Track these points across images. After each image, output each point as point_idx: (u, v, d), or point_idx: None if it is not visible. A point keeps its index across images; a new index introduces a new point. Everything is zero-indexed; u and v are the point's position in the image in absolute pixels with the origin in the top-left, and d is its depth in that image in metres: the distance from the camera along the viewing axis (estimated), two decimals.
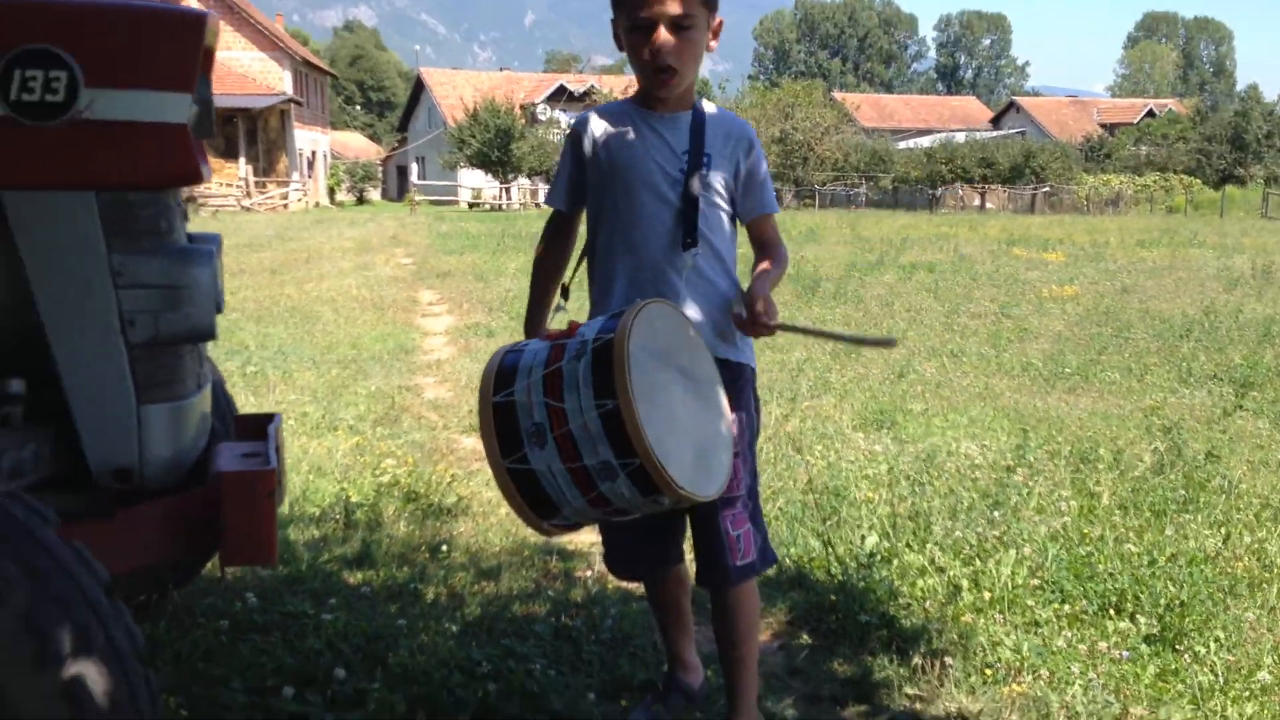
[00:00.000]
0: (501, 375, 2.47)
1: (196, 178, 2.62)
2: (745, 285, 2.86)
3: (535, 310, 3.07)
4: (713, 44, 2.84)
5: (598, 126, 2.90)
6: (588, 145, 2.91)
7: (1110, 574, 4.12)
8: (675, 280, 2.84)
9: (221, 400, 3.40)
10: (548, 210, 3.07)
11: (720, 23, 2.85)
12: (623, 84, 57.03)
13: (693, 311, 2.82)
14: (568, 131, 3.03)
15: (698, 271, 2.85)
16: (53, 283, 2.46)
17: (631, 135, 2.86)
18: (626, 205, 2.85)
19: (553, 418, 2.36)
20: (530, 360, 2.45)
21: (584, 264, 3.04)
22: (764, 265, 2.89)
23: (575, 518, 2.51)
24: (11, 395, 2.57)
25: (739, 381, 2.88)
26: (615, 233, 2.88)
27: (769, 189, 2.98)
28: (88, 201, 2.46)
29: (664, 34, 2.68)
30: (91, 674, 2.02)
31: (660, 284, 2.83)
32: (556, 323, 2.94)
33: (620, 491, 2.37)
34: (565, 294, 3.08)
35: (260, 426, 3.22)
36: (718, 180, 2.86)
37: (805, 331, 3.06)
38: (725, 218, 2.91)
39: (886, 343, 3.02)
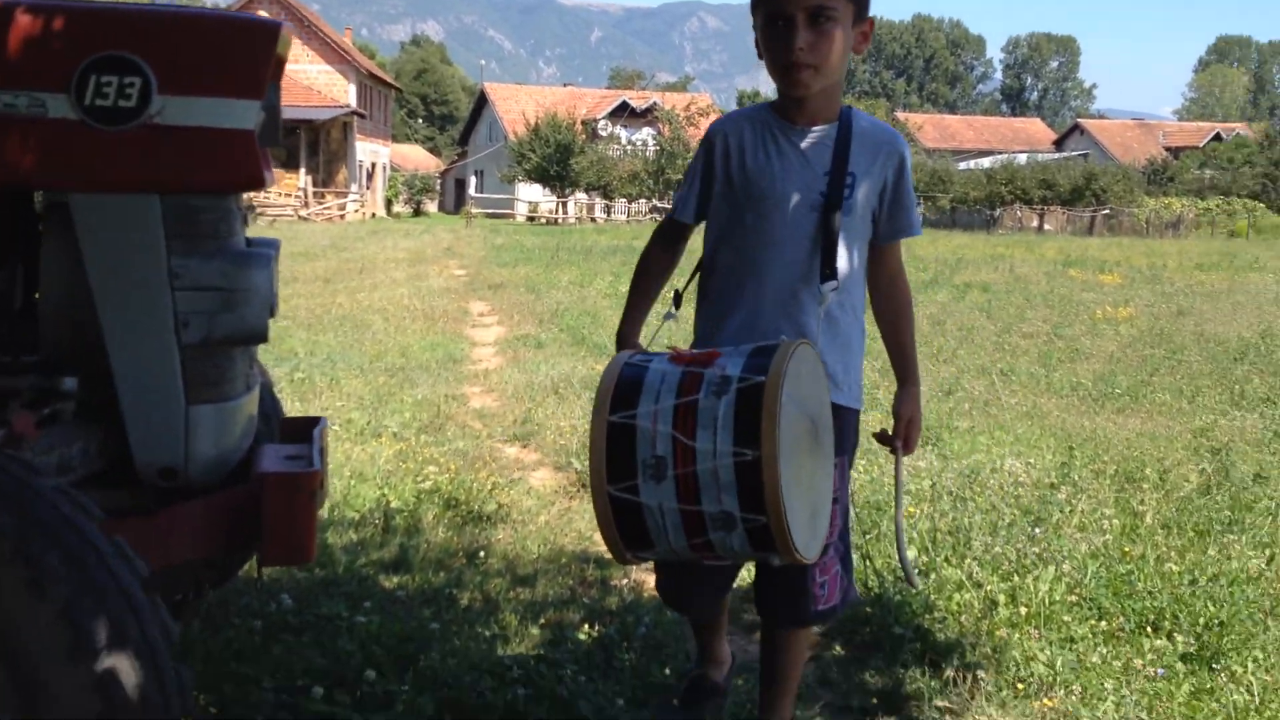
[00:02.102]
0: (621, 391, 2.30)
1: (260, 183, 2.68)
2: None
3: (633, 314, 2.87)
4: (862, 46, 2.67)
5: (734, 136, 2.71)
6: (719, 156, 2.73)
7: (1150, 592, 4.09)
8: (808, 317, 2.67)
9: (268, 403, 3.47)
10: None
11: (872, 24, 2.67)
12: (685, 101, 57.12)
13: (825, 352, 2.65)
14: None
15: (838, 308, 2.70)
16: (111, 282, 2.52)
17: (769, 150, 2.68)
18: (758, 227, 2.68)
19: (678, 454, 2.20)
20: (657, 382, 2.28)
21: (696, 277, 2.88)
22: (905, 345, 2.84)
23: (665, 556, 2.38)
24: (64, 392, 2.64)
25: (846, 425, 2.74)
26: (742, 254, 2.70)
27: (914, 209, 2.78)
28: (152, 204, 2.52)
29: (800, 26, 2.51)
30: (124, 667, 2.06)
31: (787, 317, 2.67)
32: (664, 333, 2.83)
33: (730, 544, 2.24)
34: (678, 302, 2.89)
35: (305, 430, 3.27)
36: (861, 203, 2.68)
37: (897, 486, 2.94)
38: (862, 245, 2.74)
39: (911, 583, 3.05)
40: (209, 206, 2.61)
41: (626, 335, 2.83)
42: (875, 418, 6.81)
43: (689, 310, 2.89)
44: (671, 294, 2.95)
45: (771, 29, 2.55)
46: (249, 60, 2.61)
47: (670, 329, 2.90)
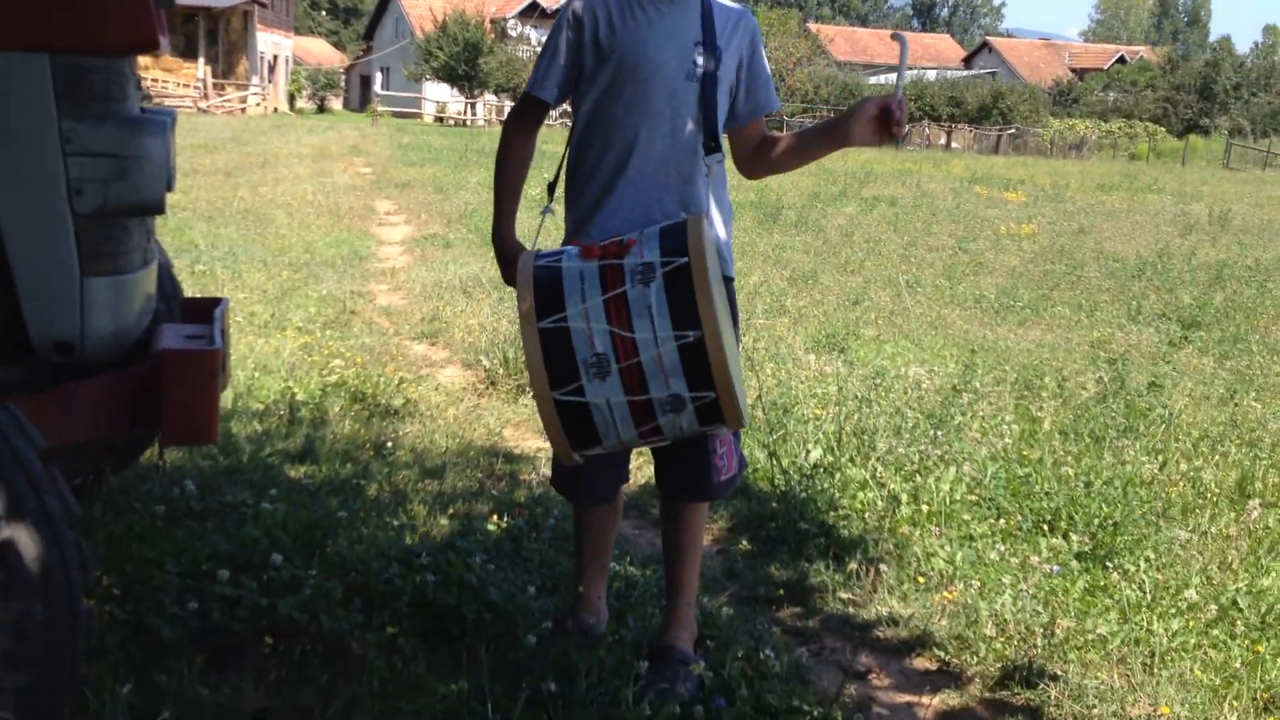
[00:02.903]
0: (543, 294, 2.26)
1: (154, 46, 2.57)
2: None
3: (510, 211, 2.80)
4: None
5: (601, 8, 2.63)
6: (589, 29, 2.63)
7: (1047, 494, 4.19)
8: (696, 190, 2.66)
9: (167, 283, 3.37)
10: None
11: None
12: None
13: (715, 222, 2.67)
14: (560, 11, 2.71)
15: (717, 180, 2.70)
16: None
17: (640, 20, 2.62)
18: (634, 99, 2.62)
19: (619, 348, 2.20)
20: (577, 279, 2.26)
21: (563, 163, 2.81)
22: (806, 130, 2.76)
23: (614, 448, 2.38)
24: None
25: (732, 295, 2.77)
26: (621, 129, 2.64)
27: (769, 84, 2.77)
28: (40, 63, 2.40)
29: None
30: (22, 537, 2.01)
31: (674, 191, 2.66)
32: (543, 229, 2.79)
33: (680, 424, 2.26)
34: (552, 192, 2.84)
35: (206, 310, 3.19)
36: (728, 76, 2.67)
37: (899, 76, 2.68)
38: (725, 117, 2.73)
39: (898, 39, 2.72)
40: (101, 68, 2.49)
41: (505, 234, 2.78)
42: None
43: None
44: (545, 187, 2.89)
45: None
46: None
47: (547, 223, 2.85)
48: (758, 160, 2.84)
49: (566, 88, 2.73)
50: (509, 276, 2.72)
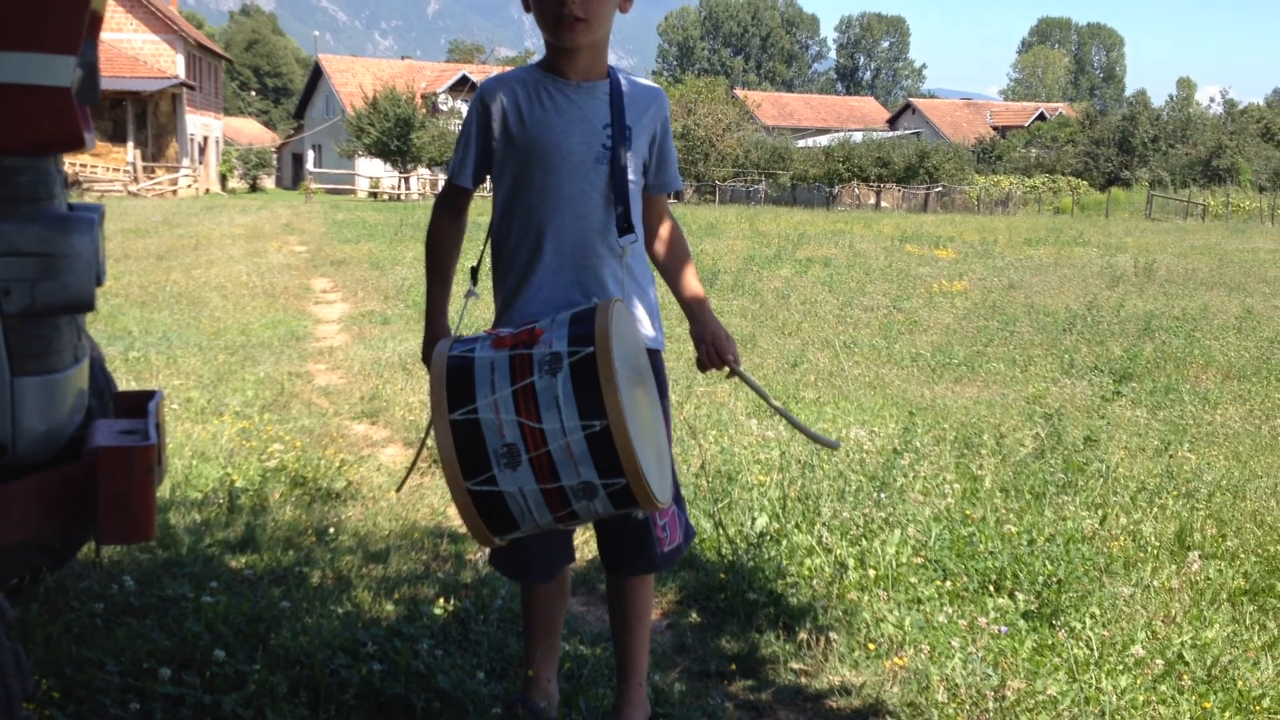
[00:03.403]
0: (454, 385, 2.29)
1: (79, 143, 2.55)
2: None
3: (440, 297, 2.85)
4: (627, 4, 2.70)
5: (509, 96, 2.68)
6: (497, 116, 2.68)
7: (991, 553, 4.22)
8: (610, 272, 2.70)
9: (100, 377, 3.32)
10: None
11: None
12: None
13: (633, 303, 2.71)
14: (470, 100, 2.81)
15: (632, 258, 2.73)
16: None
17: (547, 107, 2.66)
18: (546, 185, 2.66)
19: (528, 438, 2.22)
20: (488, 370, 2.29)
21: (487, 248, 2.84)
22: (694, 284, 2.83)
23: (532, 531, 2.38)
24: None
25: (660, 367, 2.79)
26: (534, 214, 2.68)
27: (676, 163, 2.85)
28: None
29: None
30: None
31: (589, 273, 2.69)
32: (469, 312, 2.81)
33: (594, 509, 2.28)
34: (475, 277, 2.86)
35: (140, 404, 3.14)
36: (639, 157, 2.73)
37: (757, 391, 2.78)
38: (639, 196, 2.78)
39: (829, 445, 2.89)
40: (25, 167, 2.47)
41: (434, 320, 2.84)
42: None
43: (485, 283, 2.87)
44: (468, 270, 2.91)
45: None
46: (62, 12, 2.47)
47: (473, 304, 2.86)
48: (653, 243, 2.89)
49: (482, 173, 2.78)
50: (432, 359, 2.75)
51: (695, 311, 2.80)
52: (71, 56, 2.49)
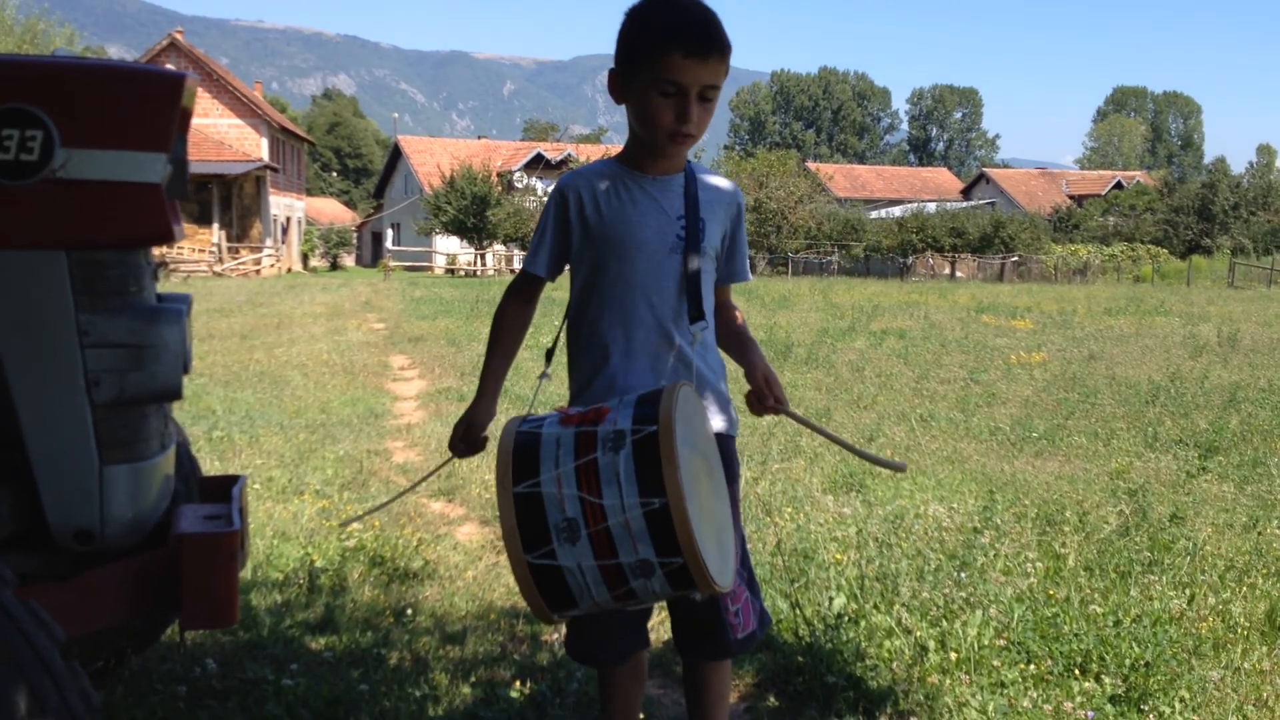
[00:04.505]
0: (520, 459, 2.33)
1: (169, 237, 2.64)
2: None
3: (497, 376, 2.89)
4: None
5: (586, 189, 2.76)
6: (574, 209, 2.76)
7: (1075, 634, 4.13)
8: (684, 356, 2.75)
9: (185, 462, 3.39)
10: None
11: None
12: (599, 152, 57.54)
13: (704, 389, 2.76)
14: (550, 193, 2.82)
15: (703, 345, 2.78)
16: (18, 341, 2.46)
17: (625, 200, 2.74)
18: (621, 273, 2.73)
19: (588, 514, 2.25)
20: (553, 446, 2.33)
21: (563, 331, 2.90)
22: (747, 338, 2.89)
23: (590, 610, 2.39)
24: None
25: (730, 452, 2.82)
26: (610, 302, 2.75)
27: (746, 257, 2.93)
28: (58, 260, 2.46)
29: (694, 101, 2.59)
30: None
31: (661, 359, 2.74)
32: (541, 392, 2.89)
33: (652, 588, 2.29)
34: (550, 359, 2.92)
35: (224, 489, 3.21)
36: (711, 247, 2.79)
37: (811, 427, 2.88)
38: (711, 284, 2.83)
39: (896, 467, 2.88)
40: (116, 261, 2.56)
41: (485, 397, 2.88)
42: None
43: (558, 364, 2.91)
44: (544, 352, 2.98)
45: (662, 95, 2.59)
46: (154, 112, 2.57)
47: (545, 386, 2.90)
48: (718, 326, 2.93)
49: (560, 263, 2.84)
50: (459, 431, 2.88)
51: (750, 355, 2.84)
52: (162, 154, 2.58)
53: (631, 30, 2.64)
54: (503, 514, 2.30)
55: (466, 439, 2.87)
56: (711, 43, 2.57)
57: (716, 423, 2.78)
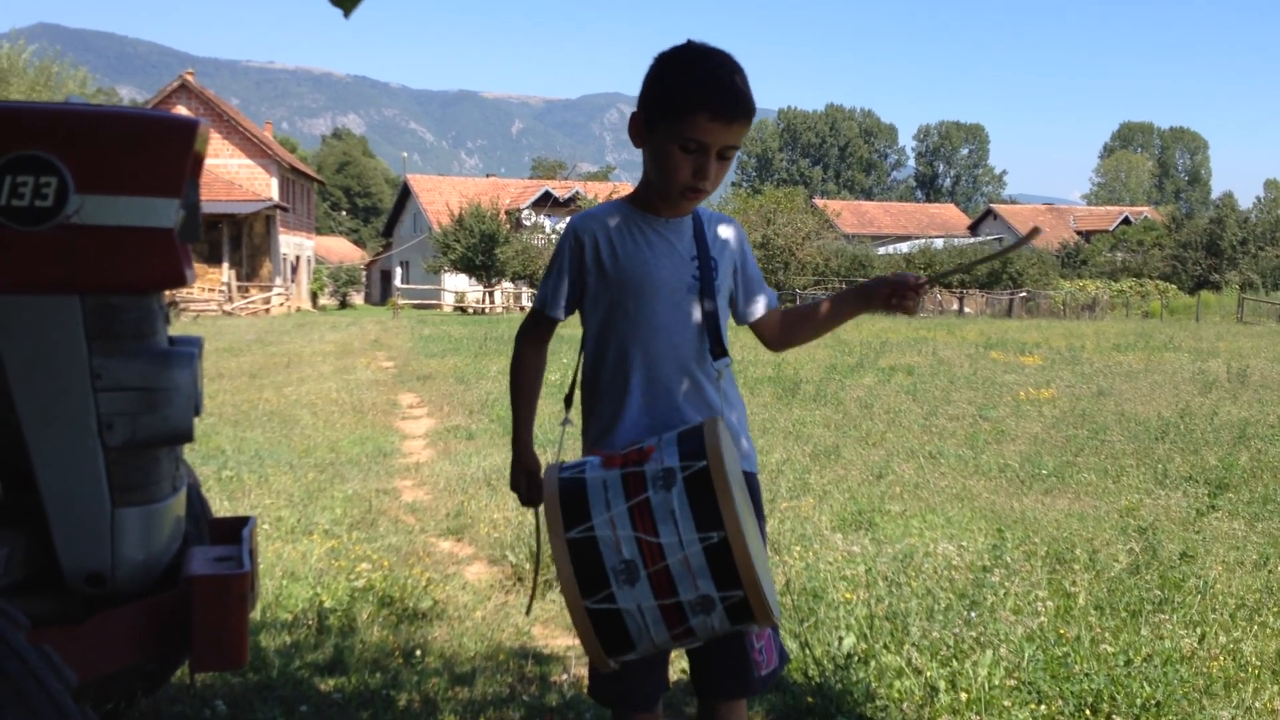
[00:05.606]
0: (569, 505, 2.32)
1: (181, 281, 2.66)
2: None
3: (528, 425, 2.89)
4: None
5: (601, 231, 2.77)
6: (590, 251, 2.77)
7: (1086, 674, 4.11)
8: (706, 395, 2.77)
9: (196, 504, 3.41)
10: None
11: None
12: (607, 189, 57.83)
13: (731, 423, 2.78)
14: (559, 233, 2.89)
15: (726, 381, 2.81)
16: (32, 385, 2.48)
17: (640, 241, 2.76)
18: (640, 313, 2.74)
19: (646, 554, 2.24)
20: (600, 489, 2.33)
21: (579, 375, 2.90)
22: (812, 303, 2.92)
23: (645, 652, 2.38)
24: None
25: (755, 489, 2.83)
26: (629, 342, 2.75)
27: (762, 277, 2.93)
28: (71, 305, 2.49)
29: (713, 159, 2.62)
30: None
31: (685, 398, 2.75)
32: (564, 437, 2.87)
33: (711, 624, 2.29)
34: (569, 404, 2.94)
35: (234, 530, 3.22)
36: (725, 285, 2.83)
37: (957, 270, 3.06)
38: (726, 321, 2.86)
39: (1030, 235, 2.81)
40: (129, 306, 2.58)
41: (522, 445, 2.87)
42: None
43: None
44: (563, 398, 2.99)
45: (683, 150, 2.62)
46: (167, 158, 2.60)
47: (568, 432, 2.91)
48: (784, 338, 2.97)
49: (573, 303, 2.84)
50: (522, 485, 2.84)
51: (841, 295, 2.87)
52: (175, 199, 2.61)
53: (660, 81, 2.65)
54: (558, 562, 2.28)
55: (532, 487, 2.85)
56: (738, 107, 2.59)
57: (745, 461, 2.80)
